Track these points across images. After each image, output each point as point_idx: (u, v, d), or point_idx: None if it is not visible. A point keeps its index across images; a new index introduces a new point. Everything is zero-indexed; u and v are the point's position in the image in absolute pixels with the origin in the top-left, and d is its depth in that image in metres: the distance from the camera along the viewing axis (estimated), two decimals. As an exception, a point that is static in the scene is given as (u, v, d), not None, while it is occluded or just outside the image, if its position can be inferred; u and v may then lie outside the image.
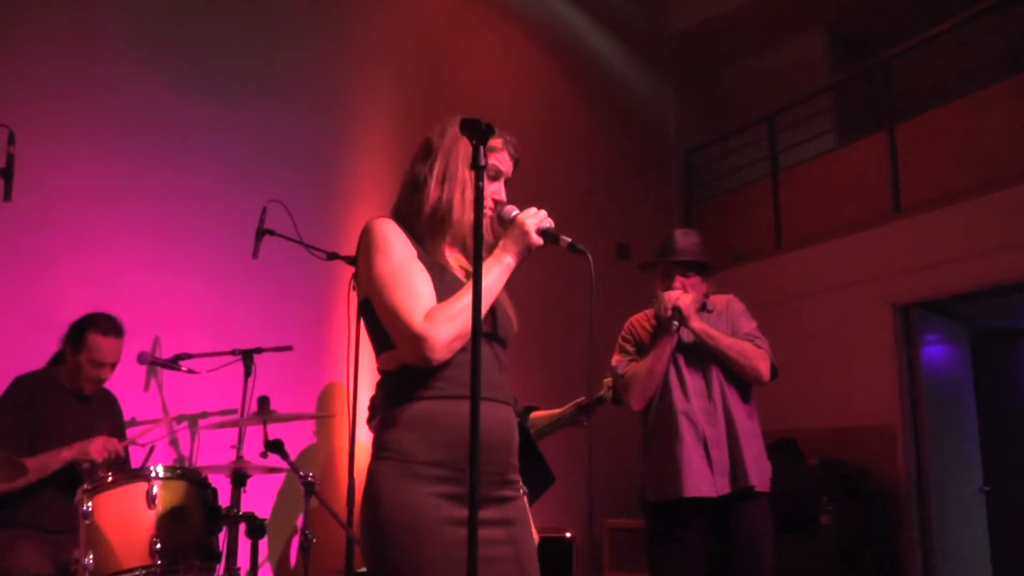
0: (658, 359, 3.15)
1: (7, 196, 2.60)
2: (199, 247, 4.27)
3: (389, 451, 1.76)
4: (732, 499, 3.03)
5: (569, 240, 1.86)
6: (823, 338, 6.10)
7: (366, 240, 1.86)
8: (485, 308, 1.79)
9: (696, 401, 3.13)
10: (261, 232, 3.78)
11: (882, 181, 6.02)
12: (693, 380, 3.16)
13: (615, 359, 3.33)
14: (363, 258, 1.86)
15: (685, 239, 3.33)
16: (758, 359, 3.14)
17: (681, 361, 3.19)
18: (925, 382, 5.81)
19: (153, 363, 3.82)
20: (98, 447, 3.09)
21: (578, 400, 3.34)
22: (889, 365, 5.80)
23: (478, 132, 1.70)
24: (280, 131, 4.70)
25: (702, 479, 3.02)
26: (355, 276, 3.63)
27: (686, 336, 3.17)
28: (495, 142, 1.94)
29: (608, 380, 3.36)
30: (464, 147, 1.88)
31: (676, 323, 3.11)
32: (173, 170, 4.25)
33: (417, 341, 1.72)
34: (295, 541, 4.29)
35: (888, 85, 6.24)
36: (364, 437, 4.04)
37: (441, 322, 1.72)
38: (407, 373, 1.79)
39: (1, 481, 2.83)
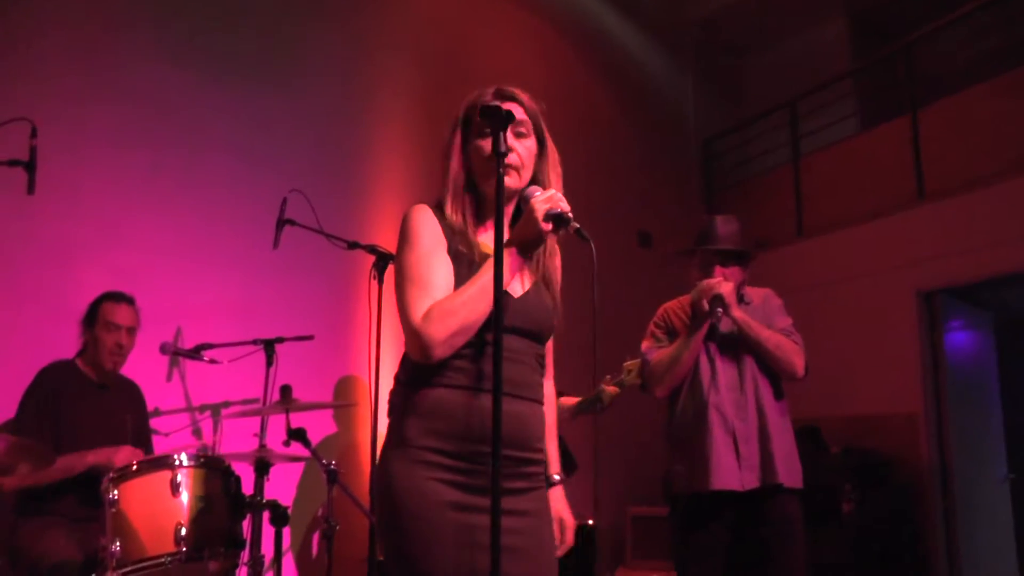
0: (688, 348, 3.10)
1: (30, 190, 2.62)
2: (220, 238, 4.29)
3: (397, 436, 1.78)
4: (761, 494, 2.99)
5: (577, 226, 1.75)
6: (846, 326, 6.05)
7: (401, 228, 1.85)
8: (487, 301, 1.69)
9: (727, 394, 3.07)
10: (282, 222, 3.78)
11: (905, 167, 5.96)
12: (725, 372, 3.10)
13: (645, 344, 3.28)
14: (397, 245, 1.86)
15: (726, 227, 3.23)
16: (794, 354, 3.10)
17: (714, 352, 3.13)
18: (949, 369, 5.76)
19: (175, 353, 3.84)
20: (124, 457, 3.08)
21: (605, 380, 3.33)
22: (913, 352, 5.76)
23: (498, 119, 1.67)
24: (300, 121, 4.71)
25: (730, 473, 2.97)
26: (374, 265, 3.67)
27: (725, 326, 3.11)
28: (483, 93, 1.90)
29: (629, 364, 3.33)
30: (456, 128, 1.90)
31: (720, 310, 3.04)
32: (193, 162, 4.27)
33: (416, 337, 1.70)
34: (317, 529, 4.33)
35: (910, 70, 6.17)
36: (385, 426, 4.06)
37: (437, 318, 1.69)
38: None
39: (30, 469, 2.87)
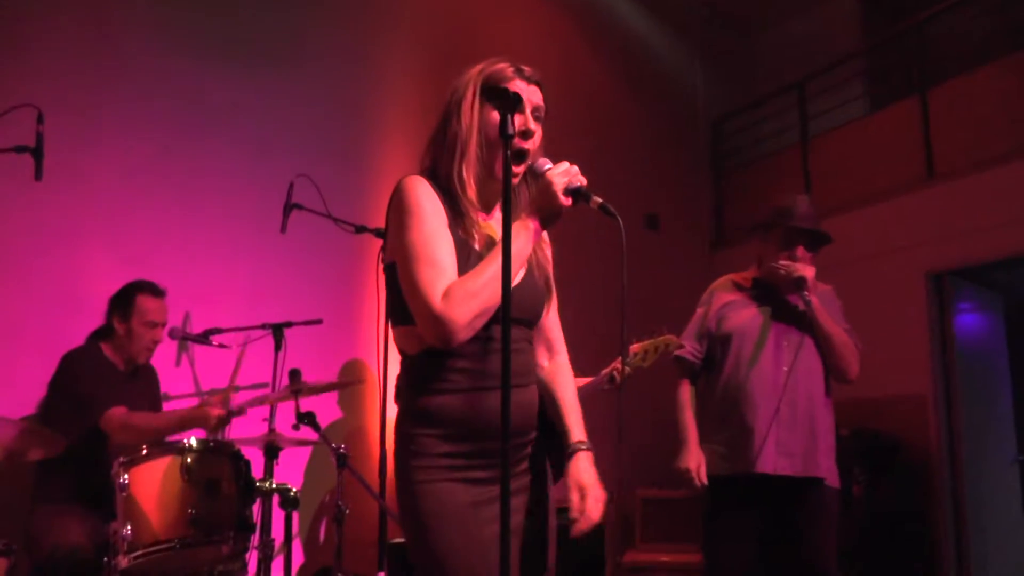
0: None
1: (38, 176, 2.62)
2: (228, 223, 4.29)
3: (409, 442, 1.74)
4: (801, 484, 2.98)
5: (600, 201, 1.68)
6: (854, 307, 5.91)
7: (398, 201, 1.75)
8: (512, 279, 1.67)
9: (778, 378, 3.05)
10: (289, 207, 3.79)
11: (915, 147, 5.91)
12: (782, 354, 3.08)
13: (686, 336, 3.29)
14: (394, 220, 1.76)
15: (812, 209, 3.20)
16: (854, 356, 3.12)
17: (775, 332, 3.11)
18: (958, 351, 5.73)
19: (184, 338, 3.85)
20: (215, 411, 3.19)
21: (615, 364, 3.33)
22: (922, 334, 5.73)
23: (506, 101, 1.63)
24: (306, 106, 4.70)
25: (767, 456, 2.97)
26: (383, 247, 3.66)
27: (799, 303, 3.08)
28: (505, 70, 1.82)
29: (635, 347, 3.31)
30: (470, 94, 1.80)
31: (807, 292, 3.04)
32: (200, 147, 4.27)
33: (436, 322, 1.62)
34: (325, 513, 4.35)
35: (920, 49, 6.11)
36: (394, 410, 4.06)
37: (460, 301, 1.62)
38: (426, 361, 1.73)
39: (41, 454, 2.88)
